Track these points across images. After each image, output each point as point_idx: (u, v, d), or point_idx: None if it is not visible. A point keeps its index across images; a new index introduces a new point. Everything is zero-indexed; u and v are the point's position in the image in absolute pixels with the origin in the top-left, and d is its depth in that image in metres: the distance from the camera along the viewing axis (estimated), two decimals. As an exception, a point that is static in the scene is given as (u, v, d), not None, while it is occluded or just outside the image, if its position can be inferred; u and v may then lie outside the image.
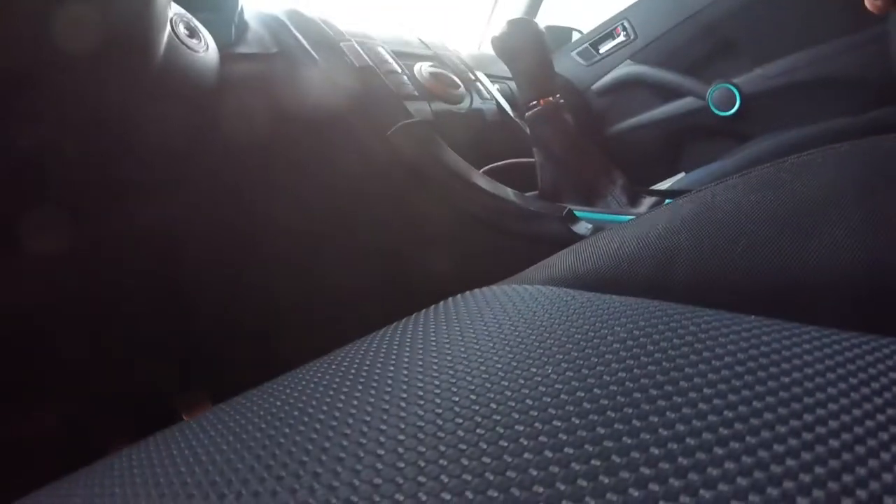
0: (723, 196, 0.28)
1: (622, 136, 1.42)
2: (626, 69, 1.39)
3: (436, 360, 0.20)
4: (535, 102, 0.62)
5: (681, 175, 1.37)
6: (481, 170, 0.67)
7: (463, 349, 0.20)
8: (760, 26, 1.30)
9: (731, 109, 1.31)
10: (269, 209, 0.58)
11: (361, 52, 0.70)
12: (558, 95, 0.62)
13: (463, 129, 0.73)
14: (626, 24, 1.39)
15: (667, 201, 0.59)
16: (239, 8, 0.65)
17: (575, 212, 0.59)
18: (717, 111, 1.32)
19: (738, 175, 0.29)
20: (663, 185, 1.37)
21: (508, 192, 0.55)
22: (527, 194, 0.67)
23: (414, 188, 0.59)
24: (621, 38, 1.40)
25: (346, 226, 0.61)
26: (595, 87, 1.42)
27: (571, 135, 0.62)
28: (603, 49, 1.42)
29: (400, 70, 0.72)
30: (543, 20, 1.56)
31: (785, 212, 0.25)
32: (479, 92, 0.80)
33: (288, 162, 0.61)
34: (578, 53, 1.44)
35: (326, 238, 0.60)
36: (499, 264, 0.55)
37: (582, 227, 0.50)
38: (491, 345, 0.20)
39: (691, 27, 1.34)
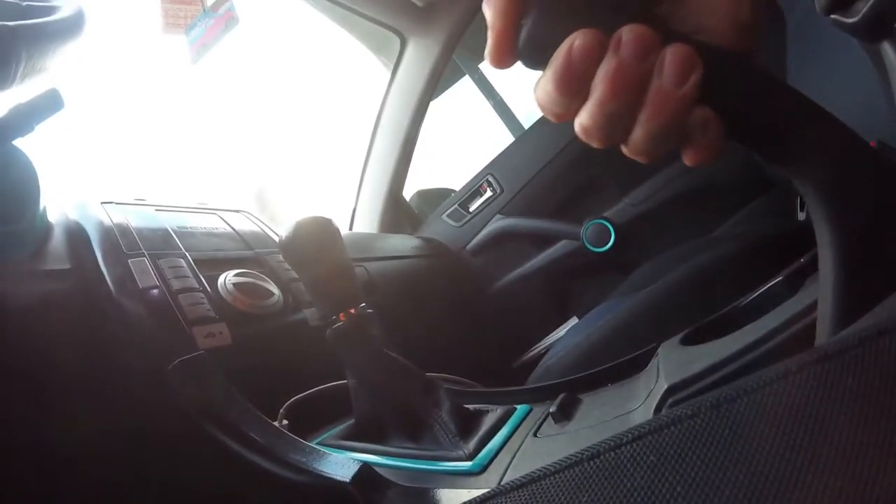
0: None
1: (505, 292, 1.37)
2: (497, 224, 1.38)
3: None
4: (335, 317, 0.53)
5: (573, 320, 1.32)
6: (285, 404, 0.55)
7: None
8: (617, 157, 1.34)
9: (607, 244, 1.31)
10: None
11: (151, 268, 0.60)
12: (364, 305, 0.53)
13: (274, 349, 0.63)
14: (490, 179, 1.42)
15: (502, 436, 0.49)
16: (39, 212, 0.56)
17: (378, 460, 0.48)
18: (593, 248, 1.31)
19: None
20: (557, 334, 1.30)
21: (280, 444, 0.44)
22: (342, 426, 0.56)
23: (190, 443, 0.47)
24: (488, 194, 1.42)
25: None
26: (469, 247, 1.40)
27: (381, 353, 0.52)
28: (472, 207, 1.42)
29: (198, 286, 0.62)
30: (416, 186, 1.58)
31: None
32: (301, 296, 0.70)
33: (62, 393, 0.49)
34: (449, 215, 1.43)
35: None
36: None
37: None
38: None
39: (553, 171, 1.38)
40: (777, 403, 0.18)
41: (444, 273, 1.28)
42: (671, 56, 0.21)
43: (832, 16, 0.39)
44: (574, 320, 1.32)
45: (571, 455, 0.21)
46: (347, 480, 0.38)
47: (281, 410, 0.55)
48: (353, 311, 0.54)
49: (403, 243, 1.26)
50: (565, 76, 0.22)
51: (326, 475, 0.39)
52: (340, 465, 0.40)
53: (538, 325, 1.35)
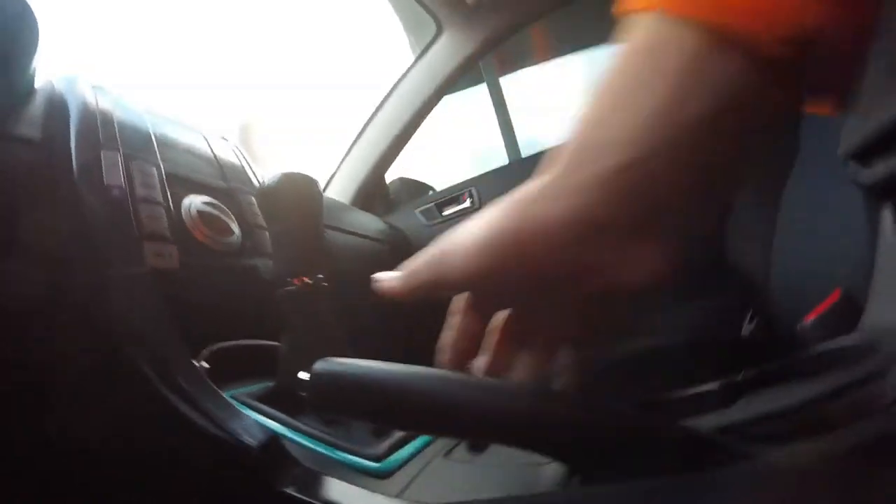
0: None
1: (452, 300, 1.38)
2: (464, 235, 1.39)
3: None
4: (290, 279, 0.52)
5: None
6: (209, 347, 0.53)
7: None
8: None
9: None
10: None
11: (121, 166, 0.57)
12: (321, 277, 0.52)
13: (216, 288, 0.61)
14: (473, 191, 1.43)
15: (415, 447, 0.49)
16: (29, 69, 0.53)
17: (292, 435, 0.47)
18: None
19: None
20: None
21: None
22: (259, 387, 0.55)
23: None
24: (466, 204, 1.43)
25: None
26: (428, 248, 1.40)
27: (324, 329, 0.52)
28: (447, 211, 1.43)
29: (161, 200, 0.60)
30: (399, 172, 1.57)
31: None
32: (261, 245, 0.69)
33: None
34: (422, 212, 1.43)
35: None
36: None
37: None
38: None
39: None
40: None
41: (391, 265, 1.28)
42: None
43: (850, 162, 0.41)
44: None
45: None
46: (254, 445, 0.38)
47: (204, 351, 0.53)
48: (309, 280, 0.53)
49: (371, 223, 1.25)
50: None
51: (235, 434, 0.38)
52: (251, 428, 0.40)
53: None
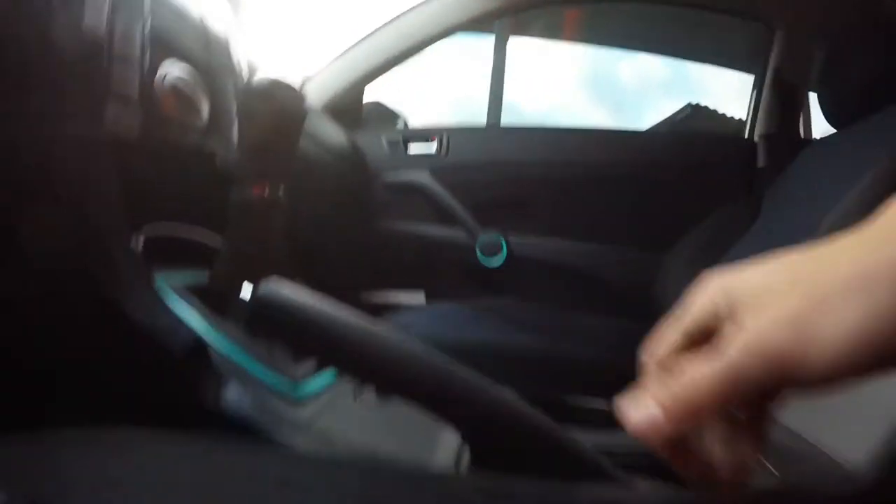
0: None
1: (389, 235, 1.40)
2: (421, 176, 1.39)
3: None
4: (249, 181, 0.52)
5: (421, 296, 1.39)
6: (148, 225, 0.53)
7: None
8: (554, 203, 1.42)
9: (494, 258, 1.38)
10: None
11: (106, 12, 0.53)
12: (282, 189, 0.53)
13: (168, 168, 0.59)
14: (444, 138, 1.42)
15: (330, 378, 0.51)
16: None
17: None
18: (481, 255, 1.38)
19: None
20: (402, 298, 1.37)
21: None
22: (190, 276, 0.55)
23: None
24: (433, 149, 1.42)
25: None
26: (387, 179, 1.40)
27: (273, 241, 0.52)
28: (412, 148, 1.42)
29: (137, 61, 0.57)
30: (377, 95, 1.53)
31: None
32: (226, 134, 0.67)
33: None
34: (388, 140, 1.41)
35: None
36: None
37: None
38: None
39: (495, 172, 1.42)
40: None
41: (352, 186, 1.27)
42: None
43: None
44: (421, 297, 1.39)
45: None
46: (181, 348, 0.39)
47: (143, 229, 0.53)
48: (269, 191, 0.53)
49: (336, 137, 1.23)
50: None
51: (162, 331, 0.39)
52: (180, 327, 0.40)
53: (395, 280, 1.40)
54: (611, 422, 0.50)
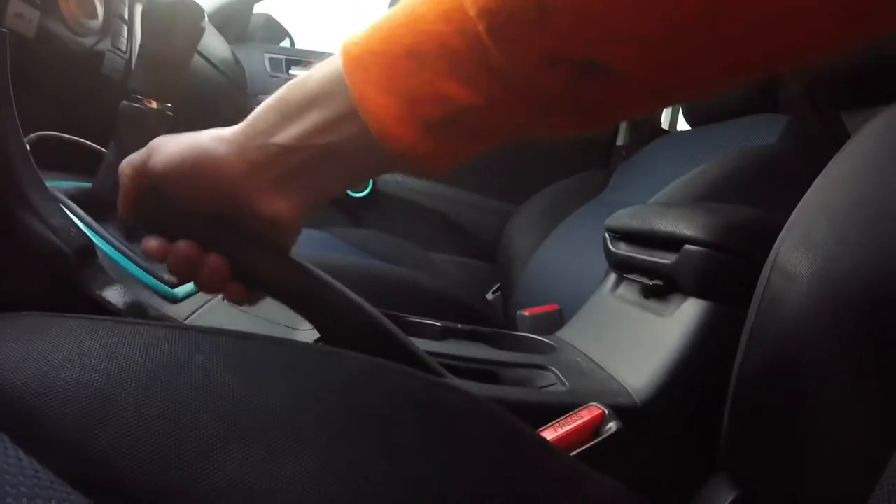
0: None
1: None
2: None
3: None
4: (139, 97, 0.53)
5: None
6: (38, 132, 0.52)
7: None
8: None
9: (360, 190, 1.43)
10: None
11: None
12: (170, 106, 0.55)
13: (63, 69, 0.57)
14: (326, 64, 1.41)
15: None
16: None
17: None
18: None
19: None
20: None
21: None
22: (72, 185, 0.56)
23: None
24: (314, 74, 1.41)
25: None
26: (259, 96, 1.37)
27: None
28: (293, 71, 1.40)
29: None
30: (267, 9, 1.46)
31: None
32: (117, 37, 0.65)
33: None
34: (271, 58, 1.38)
35: None
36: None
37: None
38: None
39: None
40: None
41: (227, 102, 1.23)
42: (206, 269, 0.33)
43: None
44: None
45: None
46: (69, 251, 0.40)
47: (32, 135, 0.52)
48: (156, 104, 0.54)
49: (220, 49, 1.18)
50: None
51: (54, 232, 0.40)
52: (68, 229, 0.42)
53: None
54: (443, 335, 0.61)
